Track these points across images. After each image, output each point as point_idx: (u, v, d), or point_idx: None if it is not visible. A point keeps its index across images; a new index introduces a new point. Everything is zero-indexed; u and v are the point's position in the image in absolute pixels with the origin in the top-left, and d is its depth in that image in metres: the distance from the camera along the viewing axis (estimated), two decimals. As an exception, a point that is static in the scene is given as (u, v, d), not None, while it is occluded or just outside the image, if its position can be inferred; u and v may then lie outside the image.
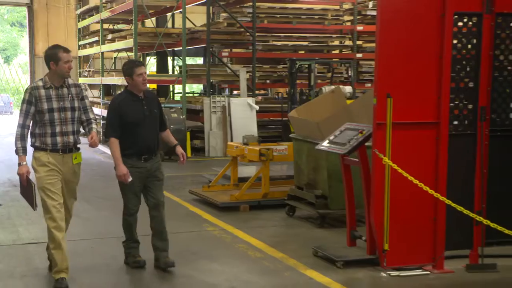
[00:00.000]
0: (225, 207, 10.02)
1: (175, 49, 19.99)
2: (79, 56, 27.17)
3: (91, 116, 6.62)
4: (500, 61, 7.36)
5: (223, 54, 19.20)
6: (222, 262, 7.49)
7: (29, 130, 6.24)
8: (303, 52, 21.03)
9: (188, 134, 15.85)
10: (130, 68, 6.77)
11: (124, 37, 20.77)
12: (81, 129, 6.63)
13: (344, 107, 9.83)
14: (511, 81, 7.43)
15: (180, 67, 19.35)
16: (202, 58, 18.65)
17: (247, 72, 18.08)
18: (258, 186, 10.37)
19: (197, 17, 20.17)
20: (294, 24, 20.66)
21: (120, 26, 23.28)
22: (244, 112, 15.67)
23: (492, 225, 6.33)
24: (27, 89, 6.29)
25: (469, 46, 7.22)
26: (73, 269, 6.53)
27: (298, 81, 17.84)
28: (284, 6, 21.06)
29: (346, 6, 21.81)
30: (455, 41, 7.14)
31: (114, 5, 21.41)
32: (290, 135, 10.38)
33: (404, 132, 6.95)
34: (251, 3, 18.07)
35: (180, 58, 18.63)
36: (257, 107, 16.29)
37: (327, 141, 7.82)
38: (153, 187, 6.98)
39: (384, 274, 6.85)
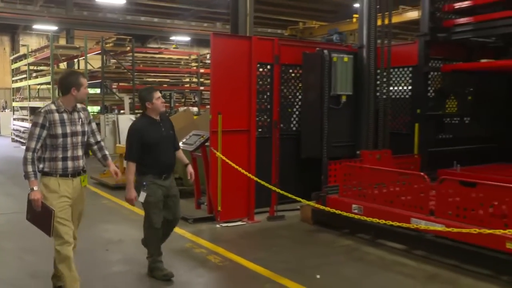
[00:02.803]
0: (116, 187, 9.60)
1: (80, 83, 19.10)
2: (13, 88, 25.28)
3: (99, 138, 4.57)
4: (284, 93, 7.59)
5: (113, 86, 18.50)
6: (113, 223, 7.24)
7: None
8: (166, 85, 20.70)
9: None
10: (149, 94, 4.89)
11: (44, 75, 19.65)
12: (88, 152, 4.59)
13: (192, 121, 9.81)
14: (291, 105, 7.71)
15: (84, 95, 18.59)
16: (99, 89, 17.92)
17: (129, 98, 17.59)
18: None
19: (95, 62, 19.29)
20: (159, 67, 20.42)
21: (41, 67, 21.83)
22: (127, 124, 15.18)
23: (282, 192, 6.54)
24: (40, 112, 4.09)
25: (266, 83, 7.41)
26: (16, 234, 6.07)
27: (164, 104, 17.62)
28: (153, 56, 20.82)
29: (193, 56, 21.81)
30: (258, 80, 7.28)
31: (37, 53, 20.18)
32: (158, 139, 10.22)
33: (229, 136, 7.00)
34: (131, 54, 17.62)
35: (84, 89, 17.82)
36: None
37: (181, 142, 7.74)
38: (172, 204, 4.98)
39: (218, 226, 6.90)
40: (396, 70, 8.17)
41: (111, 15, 24.63)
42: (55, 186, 4.09)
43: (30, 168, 4.01)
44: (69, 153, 4.12)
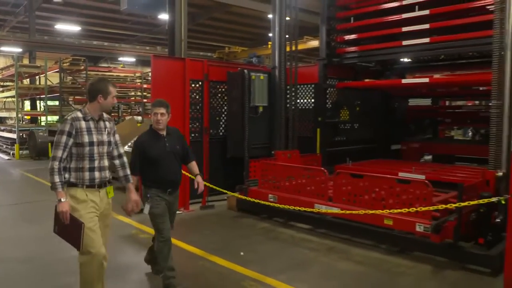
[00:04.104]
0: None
1: (41, 96, 17.81)
2: (-19, 101, 23.22)
3: (122, 151, 3.49)
4: (212, 104, 7.47)
5: (70, 99, 17.44)
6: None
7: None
8: (115, 98, 19.92)
9: (49, 145, 14.22)
10: (151, 106, 3.97)
11: (10, 89, 18.29)
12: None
13: (136, 128, 9.47)
14: (219, 114, 7.60)
15: (44, 106, 17.35)
16: (58, 101, 16.82)
17: (84, 109, 16.77)
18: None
19: (54, 79, 18.06)
20: (110, 83, 19.63)
21: (7, 83, 20.23)
22: (82, 131, 14.41)
23: (211, 186, 6.42)
24: (66, 119, 3.16)
25: (198, 96, 7.25)
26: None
27: (113, 114, 16.81)
28: (104, 74, 19.95)
29: (137, 74, 21.10)
30: (191, 94, 7.12)
31: (4, 71, 18.73)
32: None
33: (167, 141, 6.78)
34: (85, 71, 16.74)
35: (44, 101, 16.63)
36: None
37: (127, 146, 7.44)
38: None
39: (159, 214, 6.63)
40: (302, 86, 8.28)
41: (68, 39, 23.61)
42: (82, 197, 3.16)
43: (57, 179, 3.07)
44: (96, 163, 3.20)
